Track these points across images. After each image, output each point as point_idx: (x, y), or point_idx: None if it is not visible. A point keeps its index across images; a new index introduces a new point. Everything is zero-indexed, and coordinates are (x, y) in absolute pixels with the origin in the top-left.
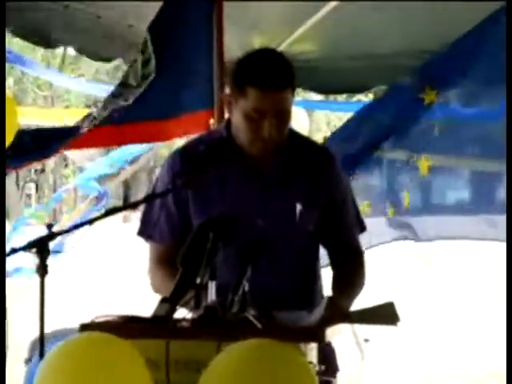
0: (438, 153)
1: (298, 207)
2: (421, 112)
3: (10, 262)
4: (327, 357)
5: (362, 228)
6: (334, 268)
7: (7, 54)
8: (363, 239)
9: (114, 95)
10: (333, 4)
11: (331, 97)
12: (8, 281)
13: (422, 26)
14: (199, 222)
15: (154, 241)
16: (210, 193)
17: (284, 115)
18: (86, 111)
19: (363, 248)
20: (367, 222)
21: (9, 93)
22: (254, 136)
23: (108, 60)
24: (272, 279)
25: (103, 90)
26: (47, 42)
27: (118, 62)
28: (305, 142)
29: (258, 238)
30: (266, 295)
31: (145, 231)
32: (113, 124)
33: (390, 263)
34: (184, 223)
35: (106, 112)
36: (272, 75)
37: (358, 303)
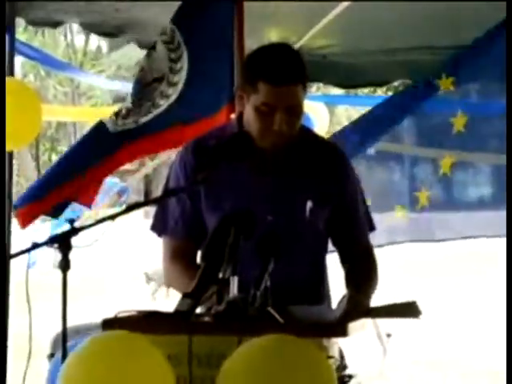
0: (461, 149)
1: (309, 204)
2: (437, 102)
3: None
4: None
5: (372, 227)
6: (345, 266)
7: (31, 52)
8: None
9: (136, 97)
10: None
11: (352, 91)
12: (29, 274)
13: (438, 22)
14: (215, 217)
15: (167, 235)
16: (221, 188)
17: (294, 110)
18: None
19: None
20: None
21: (31, 87)
22: (264, 130)
23: (114, 35)
24: (282, 275)
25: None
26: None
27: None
28: (316, 139)
29: (273, 232)
30: (277, 291)
31: (158, 226)
32: (155, 132)
33: (409, 260)
34: (196, 218)
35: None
36: (282, 70)
37: (377, 301)
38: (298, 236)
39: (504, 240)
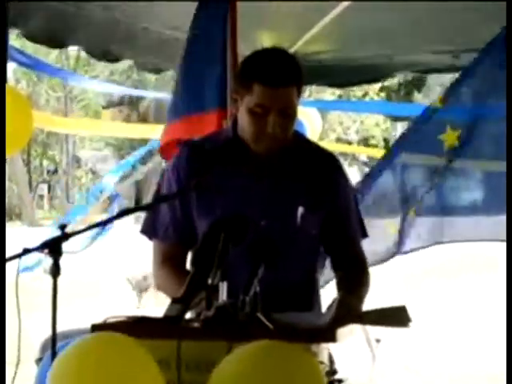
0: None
1: (301, 210)
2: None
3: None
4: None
5: (364, 234)
6: (337, 273)
7: (24, 59)
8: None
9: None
10: (346, 3)
11: (344, 96)
12: (21, 279)
13: (433, 25)
14: (208, 222)
15: (157, 239)
16: (212, 194)
17: (288, 112)
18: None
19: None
20: None
21: (23, 94)
22: (258, 133)
23: (116, 60)
24: (273, 280)
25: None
26: (56, 43)
27: (130, 62)
28: (311, 146)
29: (268, 237)
30: (268, 296)
31: (148, 229)
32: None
33: (400, 265)
34: (188, 222)
35: None
36: (276, 72)
37: (369, 307)
38: (291, 241)
39: (496, 245)
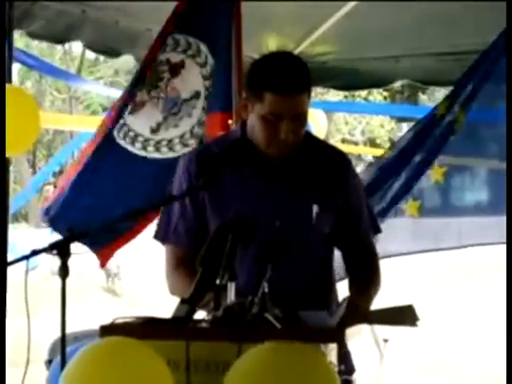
0: (455, 154)
1: (314, 209)
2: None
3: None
4: (343, 357)
5: (377, 230)
6: (349, 270)
7: (29, 60)
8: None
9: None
10: (351, 4)
11: (349, 97)
12: (29, 278)
13: (438, 27)
14: (217, 224)
15: (170, 243)
16: (226, 195)
17: (301, 118)
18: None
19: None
20: None
21: (30, 94)
22: (270, 139)
23: (117, 55)
24: (287, 280)
25: None
26: (58, 39)
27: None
28: (321, 145)
29: (276, 238)
30: (282, 295)
31: (161, 234)
32: None
33: (408, 264)
34: (200, 226)
35: None
36: (289, 80)
37: (377, 306)
38: (304, 240)
39: (501, 247)
